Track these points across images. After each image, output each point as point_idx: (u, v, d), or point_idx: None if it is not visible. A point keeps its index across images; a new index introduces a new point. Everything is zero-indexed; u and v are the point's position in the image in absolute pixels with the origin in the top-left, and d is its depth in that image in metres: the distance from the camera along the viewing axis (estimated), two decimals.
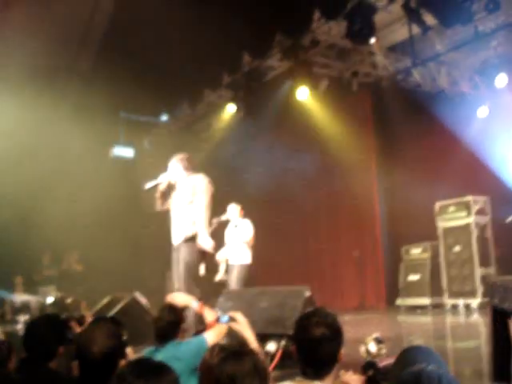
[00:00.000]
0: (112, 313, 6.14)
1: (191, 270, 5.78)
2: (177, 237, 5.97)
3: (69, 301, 11.18)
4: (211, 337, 3.67)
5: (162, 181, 6.06)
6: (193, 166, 6.19)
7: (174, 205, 6.11)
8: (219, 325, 3.78)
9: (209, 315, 3.89)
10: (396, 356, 3.83)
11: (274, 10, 7.90)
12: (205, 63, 8.95)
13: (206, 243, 5.83)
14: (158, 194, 6.15)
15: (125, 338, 2.71)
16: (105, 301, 6.95)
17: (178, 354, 3.38)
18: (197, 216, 5.90)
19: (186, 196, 6.00)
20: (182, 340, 3.70)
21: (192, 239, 5.86)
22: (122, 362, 2.50)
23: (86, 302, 10.93)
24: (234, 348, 2.21)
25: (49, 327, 3.22)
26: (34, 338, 3.20)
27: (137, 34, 8.74)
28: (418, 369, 1.87)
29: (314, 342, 2.48)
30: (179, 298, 4.10)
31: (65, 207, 11.03)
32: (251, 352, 2.19)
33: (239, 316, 3.60)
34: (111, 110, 10.95)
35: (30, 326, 3.37)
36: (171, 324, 3.63)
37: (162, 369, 1.94)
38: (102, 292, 7.76)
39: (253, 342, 3.43)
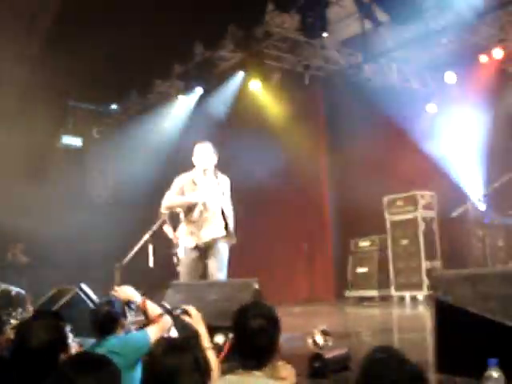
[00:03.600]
0: (57, 306, 5.97)
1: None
2: (211, 232, 6.03)
3: (13, 293, 10.90)
4: (154, 332, 3.62)
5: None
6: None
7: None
8: (163, 320, 3.74)
9: (152, 310, 3.83)
10: (342, 348, 3.87)
11: (228, 0, 7.85)
12: (156, 52, 8.82)
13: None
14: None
15: (67, 331, 2.65)
16: (50, 293, 6.76)
17: (117, 349, 3.31)
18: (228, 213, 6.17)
19: (219, 192, 6.10)
20: (124, 334, 3.63)
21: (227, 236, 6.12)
22: (64, 356, 2.44)
23: (30, 294, 10.69)
24: (176, 342, 2.19)
25: None
26: None
27: (86, 21, 8.55)
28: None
29: (252, 334, 2.53)
30: (123, 291, 4.02)
31: (10, 197, 10.76)
32: (193, 347, 2.17)
33: (192, 310, 3.58)
34: (59, 98, 10.73)
35: None
36: (109, 318, 3.55)
37: (101, 362, 1.91)
38: (49, 284, 7.55)
39: (205, 336, 3.42)
